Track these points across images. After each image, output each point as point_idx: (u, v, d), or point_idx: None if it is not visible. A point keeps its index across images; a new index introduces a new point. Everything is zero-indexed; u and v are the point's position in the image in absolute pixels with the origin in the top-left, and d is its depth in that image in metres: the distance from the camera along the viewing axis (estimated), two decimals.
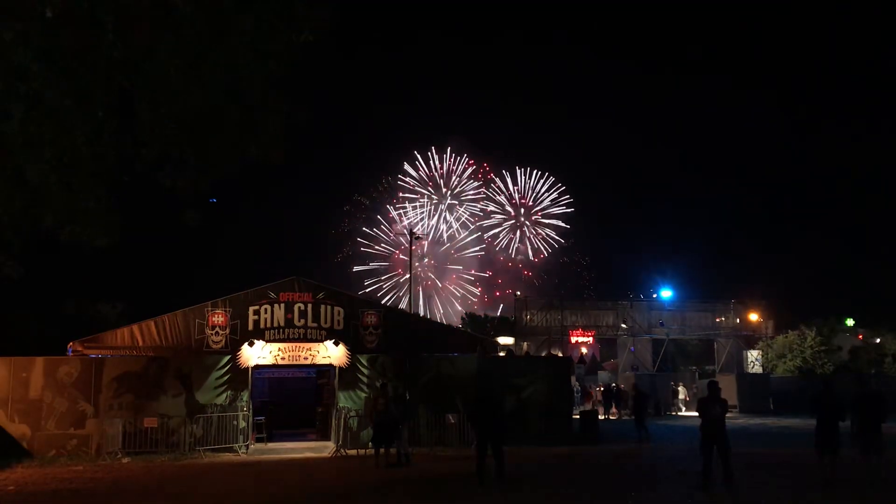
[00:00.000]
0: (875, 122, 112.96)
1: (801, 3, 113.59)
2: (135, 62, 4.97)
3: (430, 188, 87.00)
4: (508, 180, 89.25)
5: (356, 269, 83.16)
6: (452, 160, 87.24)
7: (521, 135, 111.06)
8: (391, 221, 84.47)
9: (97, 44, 4.85)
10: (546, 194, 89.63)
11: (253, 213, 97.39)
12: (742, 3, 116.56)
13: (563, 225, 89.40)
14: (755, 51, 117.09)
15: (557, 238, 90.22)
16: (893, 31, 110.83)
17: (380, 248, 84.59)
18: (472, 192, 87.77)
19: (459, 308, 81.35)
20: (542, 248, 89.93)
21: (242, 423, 20.70)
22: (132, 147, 5.48)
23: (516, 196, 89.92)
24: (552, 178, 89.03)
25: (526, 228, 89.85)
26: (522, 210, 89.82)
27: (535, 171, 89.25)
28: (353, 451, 20.04)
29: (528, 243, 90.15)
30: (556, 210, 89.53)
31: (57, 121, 5.34)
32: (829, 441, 13.41)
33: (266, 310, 22.02)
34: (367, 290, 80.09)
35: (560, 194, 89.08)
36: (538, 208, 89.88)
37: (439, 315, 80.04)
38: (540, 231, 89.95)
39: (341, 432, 20.64)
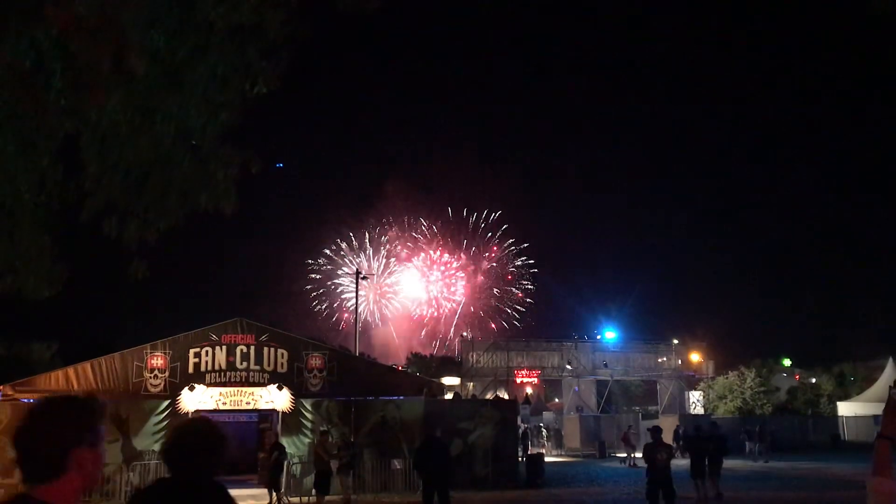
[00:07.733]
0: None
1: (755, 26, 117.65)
2: (82, 112, 4.86)
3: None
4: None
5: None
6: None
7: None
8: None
9: (43, 96, 4.73)
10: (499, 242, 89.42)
11: (201, 257, 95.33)
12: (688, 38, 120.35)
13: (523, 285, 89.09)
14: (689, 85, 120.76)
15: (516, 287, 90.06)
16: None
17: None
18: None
19: (401, 347, 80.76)
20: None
21: None
22: (77, 196, 5.33)
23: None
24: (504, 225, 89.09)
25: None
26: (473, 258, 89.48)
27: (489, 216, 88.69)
28: (295, 499, 19.58)
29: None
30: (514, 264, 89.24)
31: None
32: (700, 470, 17.38)
33: (207, 352, 21.52)
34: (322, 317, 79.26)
35: (517, 249, 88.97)
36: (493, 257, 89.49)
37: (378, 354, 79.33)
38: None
39: (283, 479, 20.15)
